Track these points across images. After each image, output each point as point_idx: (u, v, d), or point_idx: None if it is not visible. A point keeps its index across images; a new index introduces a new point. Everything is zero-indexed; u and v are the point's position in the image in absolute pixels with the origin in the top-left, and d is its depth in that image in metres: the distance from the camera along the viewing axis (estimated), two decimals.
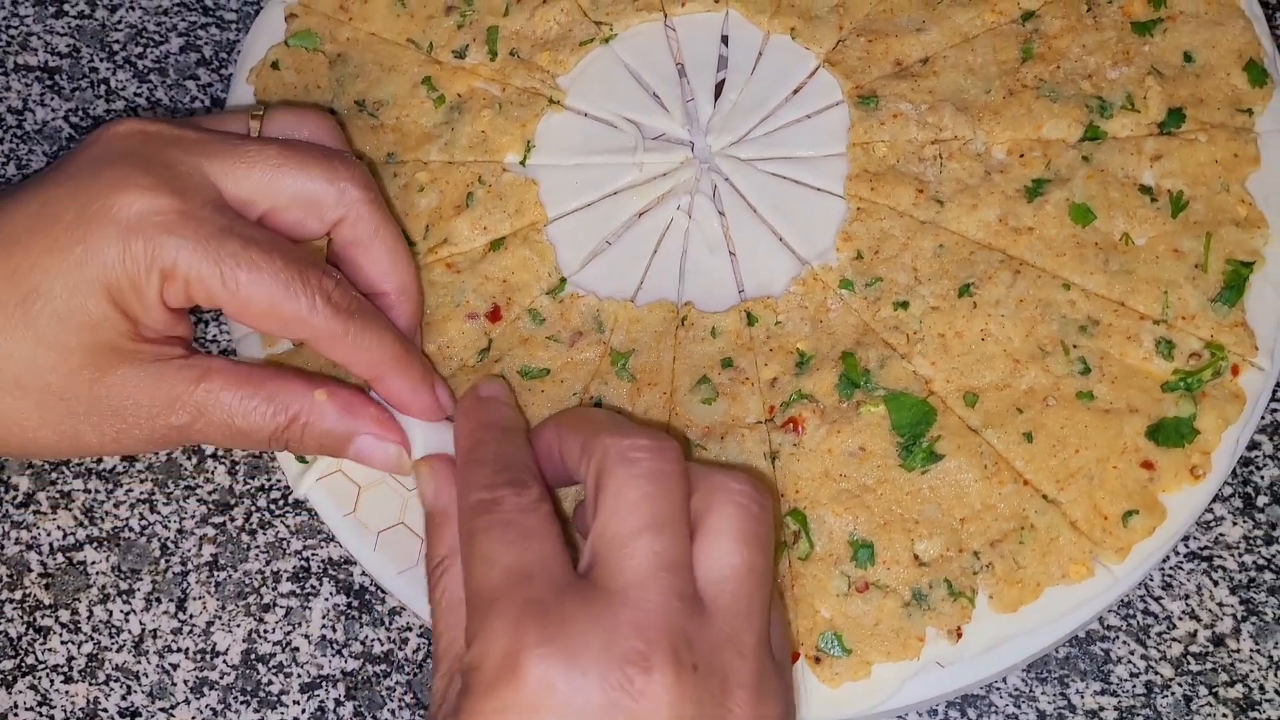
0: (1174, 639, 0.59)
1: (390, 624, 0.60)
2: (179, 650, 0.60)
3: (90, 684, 0.60)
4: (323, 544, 0.62)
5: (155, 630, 0.61)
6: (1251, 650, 0.58)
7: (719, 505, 0.45)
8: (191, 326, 0.52)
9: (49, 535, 0.62)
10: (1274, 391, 0.62)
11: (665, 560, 0.43)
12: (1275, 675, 0.58)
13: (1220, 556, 0.60)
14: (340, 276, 0.51)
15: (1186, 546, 0.60)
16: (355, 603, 0.61)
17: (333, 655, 0.60)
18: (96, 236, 0.47)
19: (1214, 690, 0.58)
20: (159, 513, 0.62)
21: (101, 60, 0.71)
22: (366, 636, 0.60)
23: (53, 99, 0.70)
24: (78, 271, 0.47)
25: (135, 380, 0.49)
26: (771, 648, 0.46)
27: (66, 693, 0.60)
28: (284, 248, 0.50)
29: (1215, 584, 0.59)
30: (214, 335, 0.65)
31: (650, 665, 0.41)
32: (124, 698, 0.60)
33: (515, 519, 0.46)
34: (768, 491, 0.47)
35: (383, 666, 0.60)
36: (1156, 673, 0.58)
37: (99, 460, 0.63)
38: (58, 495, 0.63)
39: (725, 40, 0.64)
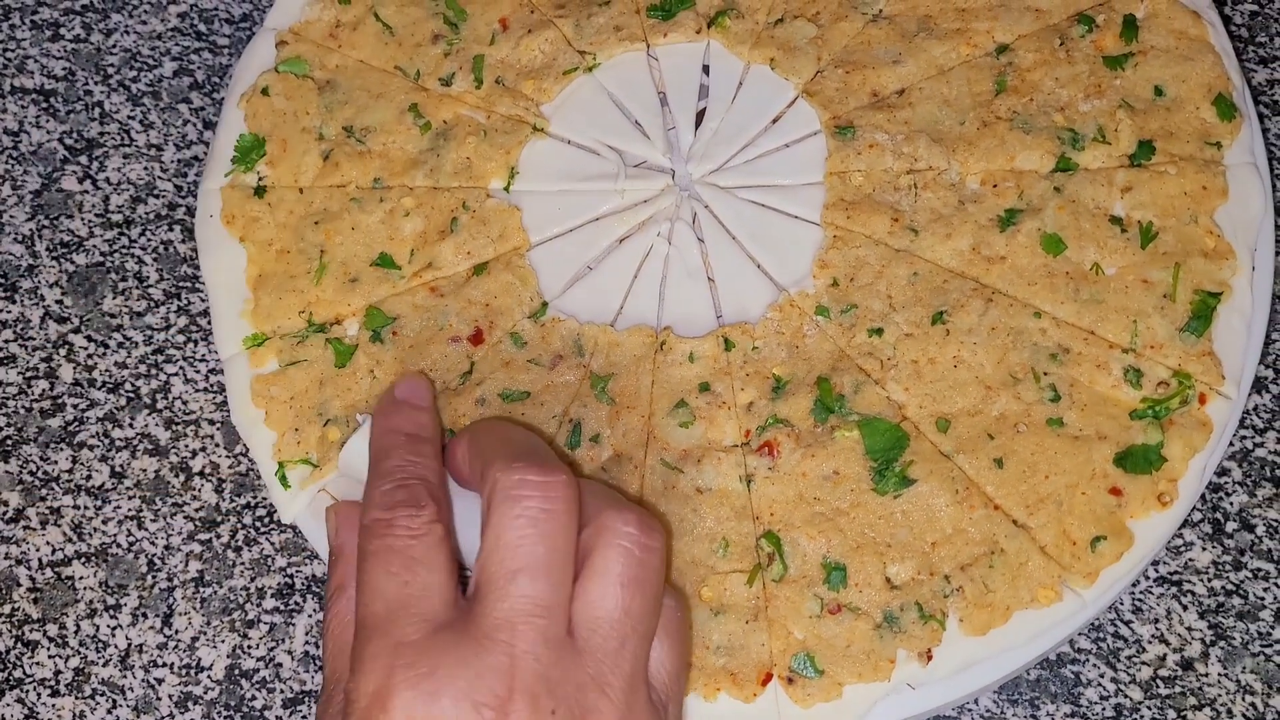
0: (1144, 662, 0.60)
1: None
2: (164, 665, 0.61)
3: (77, 698, 0.61)
4: (307, 561, 0.63)
5: (141, 645, 0.62)
6: (1220, 674, 0.59)
7: (603, 546, 0.46)
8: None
9: (38, 550, 0.63)
10: (1241, 420, 0.63)
11: (536, 605, 0.44)
12: (1243, 699, 0.59)
13: (1190, 581, 0.61)
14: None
15: (1156, 571, 0.61)
16: None
17: (315, 671, 0.61)
18: None
19: (1182, 714, 0.59)
20: (146, 529, 0.63)
21: (96, 83, 0.72)
22: None
23: (48, 121, 0.71)
24: None
25: None
26: (651, 688, 0.47)
27: (53, 706, 0.61)
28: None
29: (1185, 609, 0.60)
30: (203, 354, 0.66)
31: (507, 710, 0.42)
32: (109, 711, 0.61)
33: (402, 545, 0.46)
34: (658, 531, 0.47)
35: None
36: (1126, 696, 0.59)
37: (88, 476, 0.64)
38: (47, 511, 0.64)
39: (706, 70, 0.65)
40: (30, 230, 0.69)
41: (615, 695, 0.45)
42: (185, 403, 0.66)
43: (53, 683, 0.61)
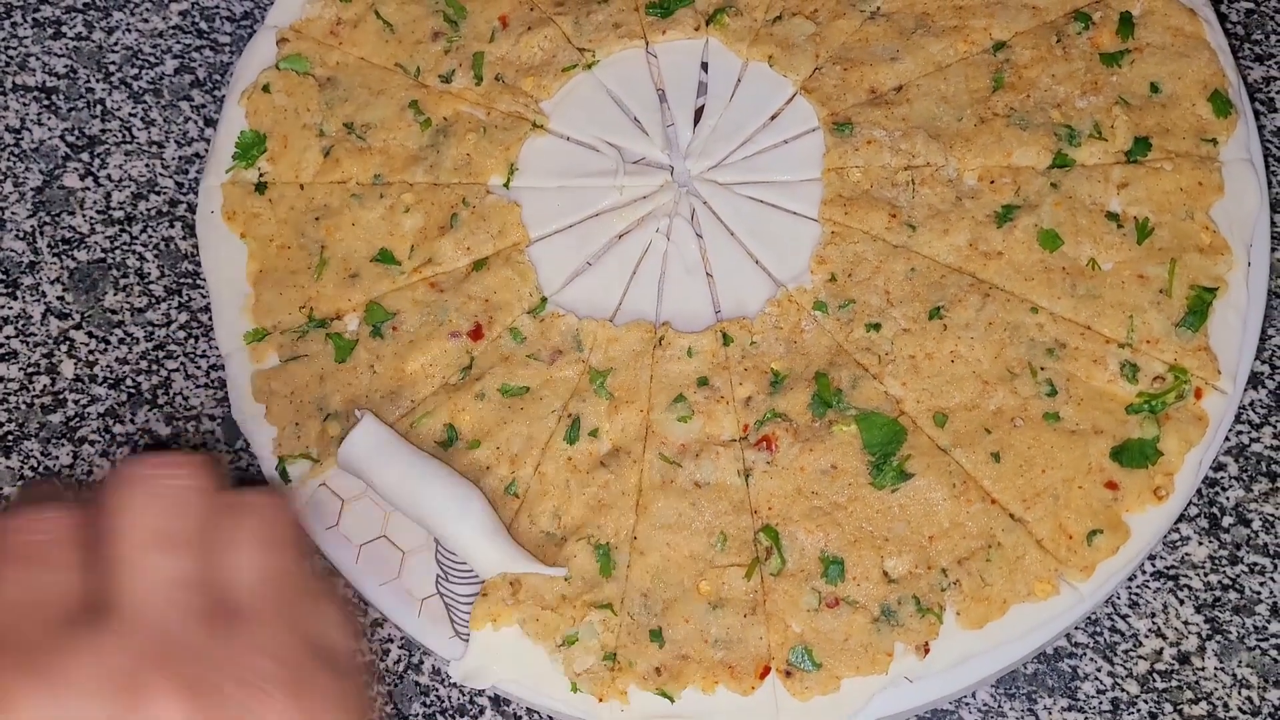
0: (1140, 656, 0.60)
1: (372, 636, 0.61)
2: None
3: None
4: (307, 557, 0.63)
5: None
6: (1216, 668, 0.59)
7: (235, 519, 0.42)
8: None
9: None
10: (1237, 415, 0.63)
11: (175, 577, 0.41)
12: (1239, 693, 0.59)
13: (1186, 576, 0.61)
14: None
15: (1153, 565, 0.61)
16: None
17: None
18: None
19: (1179, 708, 0.59)
20: None
21: (98, 81, 0.72)
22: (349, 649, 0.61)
23: (49, 118, 0.71)
24: None
25: None
26: (320, 647, 0.43)
27: None
28: None
29: (1181, 603, 0.60)
30: (203, 350, 0.67)
31: (150, 688, 0.39)
32: None
33: (22, 550, 0.42)
34: (283, 499, 0.44)
35: (364, 678, 0.61)
36: (1123, 689, 0.59)
37: (89, 472, 0.65)
38: None
39: (705, 67, 0.66)
40: (32, 227, 0.69)
41: (287, 657, 0.41)
42: (186, 398, 0.66)
43: None
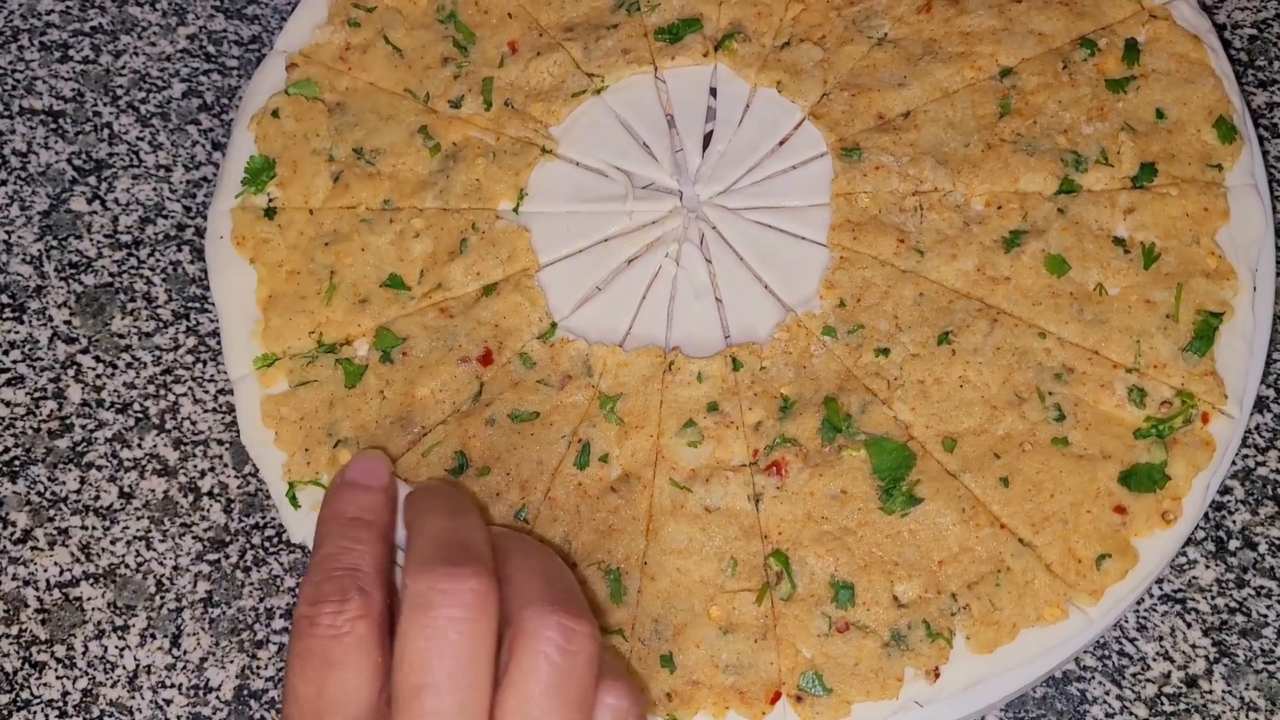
0: (1148, 680, 0.60)
1: None
2: (172, 686, 0.61)
3: (84, 719, 0.61)
4: None
5: (149, 666, 0.62)
6: (1224, 691, 0.59)
7: (523, 654, 0.44)
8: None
9: (46, 571, 0.63)
10: (1244, 438, 0.63)
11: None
12: (1246, 716, 0.59)
13: (1193, 599, 0.61)
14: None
15: (1160, 589, 0.61)
16: None
17: None
18: None
19: None
20: (155, 550, 0.64)
21: (105, 104, 0.72)
22: None
23: (56, 142, 0.72)
24: None
25: None
26: None
27: None
28: None
29: (1189, 626, 0.61)
30: (212, 374, 0.67)
31: None
32: None
33: (320, 647, 0.44)
34: (581, 633, 0.44)
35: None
36: (1131, 713, 0.59)
37: (96, 497, 0.65)
38: (55, 532, 0.64)
39: (714, 92, 0.66)
40: (39, 251, 0.69)
41: None
42: (194, 423, 0.66)
43: (60, 704, 0.61)
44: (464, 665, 0.43)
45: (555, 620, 0.44)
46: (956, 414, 0.58)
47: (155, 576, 0.63)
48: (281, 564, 0.63)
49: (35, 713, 0.61)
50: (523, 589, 0.46)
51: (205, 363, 0.67)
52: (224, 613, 0.62)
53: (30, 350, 0.67)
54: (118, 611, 0.63)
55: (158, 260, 0.69)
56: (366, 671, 0.44)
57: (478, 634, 0.44)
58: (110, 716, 0.61)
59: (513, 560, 0.47)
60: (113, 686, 0.61)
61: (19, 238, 0.70)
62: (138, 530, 0.64)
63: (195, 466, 0.65)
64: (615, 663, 0.49)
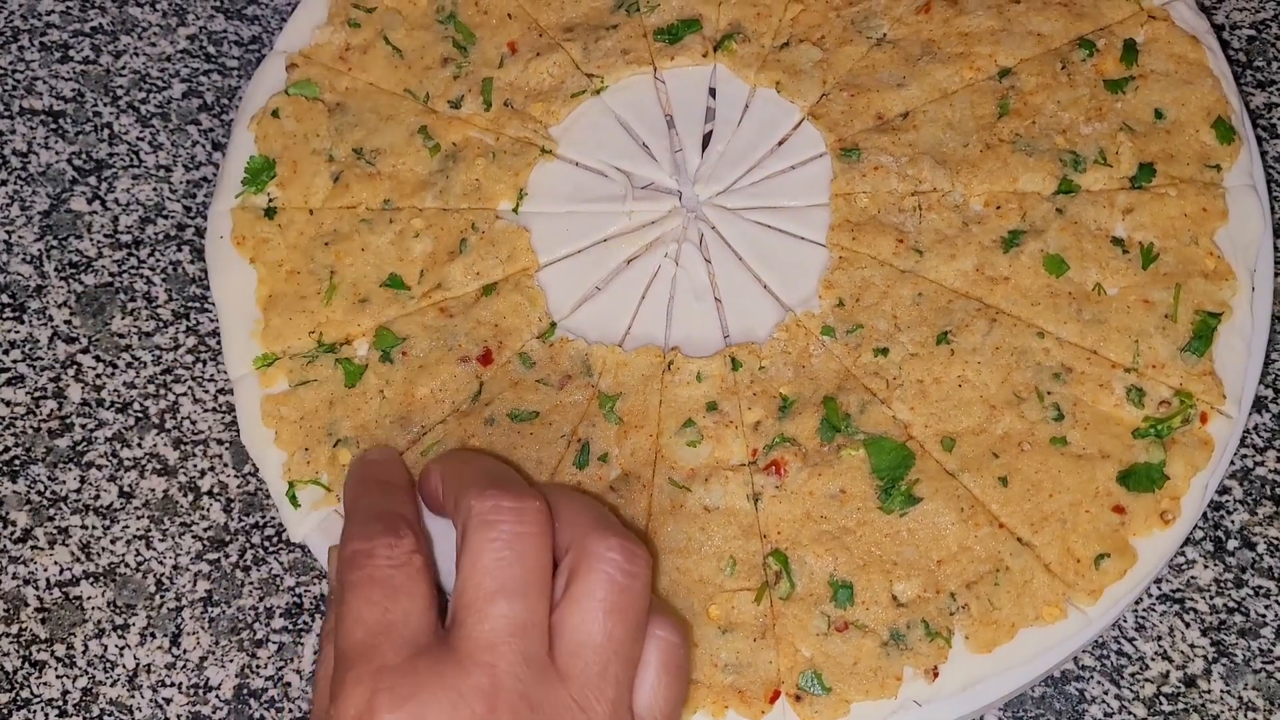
0: (1147, 679, 0.60)
1: None
2: (172, 685, 0.61)
3: (84, 718, 0.61)
4: (315, 580, 0.63)
5: (149, 665, 0.62)
6: (1222, 691, 0.60)
7: (586, 571, 0.46)
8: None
9: (46, 570, 0.63)
10: (1243, 438, 0.63)
11: (515, 625, 0.44)
12: (1245, 716, 0.59)
13: (1192, 599, 0.61)
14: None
15: (1159, 589, 0.61)
16: None
17: None
18: None
19: None
20: (155, 549, 0.64)
21: (105, 105, 0.72)
22: None
23: (56, 142, 0.72)
24: None
25: None
26: (638, 714, 0.46)
27: None
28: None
29: (1187, 626, 0.61)
30: (211, 374, 0.67)
31: None
32: None
33: (383, 574, 0.47)
34: (641, 557, 0.47)
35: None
36: (1130, 713, 0.59)
37: (96, 496, 0.65)
38: (55, 531, 0.64)
39: (713, 93, 0.66)
40: (39, 250, 0.69)
41: None
42: (194, 422, 0.66)
43: (60, 703, 0.61)
44: (533, 574, 0.46)
45: (617, 542, 0.46)
46: (955, 413, 0.58)
47: (155, 576, 0.63)
48: (281, 563, 0.63)
49: (35, 712, 0.61)
50: (577, 519, 0.48)
51: (205, 362, 0.67)
52: (224, 612, 0.62)
53: (30, 350, 0.68)
54: (118, 611, 0.63)
55: (158, 260, 0.69)
56: (426, 598, 0.47)
57: (542, 549, 0.46)
58: (110, 715, 0.61)
59: (561, 498, 0.49)
60: (112, 685, 0.61)
61: (19, 237, 0.70)
62: (137, 529, 0.64)
63: (195, 466, 0.65)
64: (660, 602, 0.52)
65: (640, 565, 0.47)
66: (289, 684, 0.61)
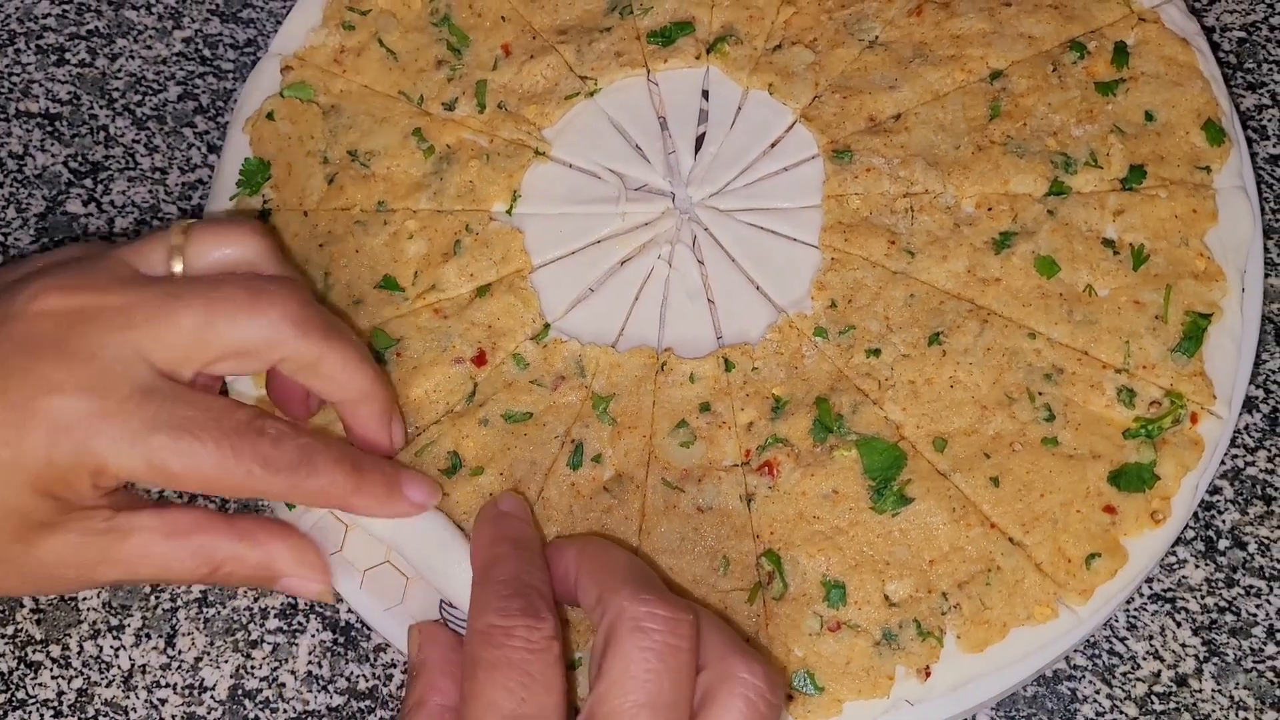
0: (1138, 679, 0.60)
1: (375, 660, 0.62)
2: (167, 685, 0.62)
3: (79, 719, 0.61)
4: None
5: (144, 666, 0.62)
6: (1214, 690, 0.60)
7: (726, 695, 0.45)
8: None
9: None
10: (1234, 439, 0.64)
11: None
12: (1236, 715, 0.59)
13: (1183, 598, 0.62)
14: (278, 429, 0.50)
15: (1150, 588, 0.62)
16: (341, 639, 0.62)
17: (318, 691, 0.61)
18: (26, 440, 0.47)
19: None
20: None
21: (101, 107, 0.73)
22: (352, 673, 0.62)
23: (53, 145, 0.72)
24: (6, 472, 0.47)
25: (63, 550, 0.49)
26: None
27: None
28: (217, 421, 0.49)
29: (1178, 625, 0.61)
30: None
31: None
32: None
33: (521, 660, 0.45)
34: (780, 686, 0.46)
35: (367, 702, 0.61)
36: (1121, 712, 0.60)
37: None
38: None
39: (706, 95, 0.66)
40: (35, 253, 0.70)
41: None
42: None
43: (56, 704, 0.61)
44: (681, 691, 0.44)
45: (762, 671, 0.46)
46: (947, 414, 0.59)
47: None
48: None
49: (30, 712, 0.61)
50: (718, 638, 0.47)
51: None
52: (218, 612, 0.63)
53: None
54: (113, 611, 0.63)
55: None
56: (560, 690, 0.46)
57: (691, 665, 0.45)
58: (105, 716, 0.61)
59: (699, 612, 0.48)
60: (108, 686, 0.62)
61: (15, 240, 0.70)
62: None
63: None
64: None
65: (779, 694, 0.46)
66: (283, 684, 0.61)
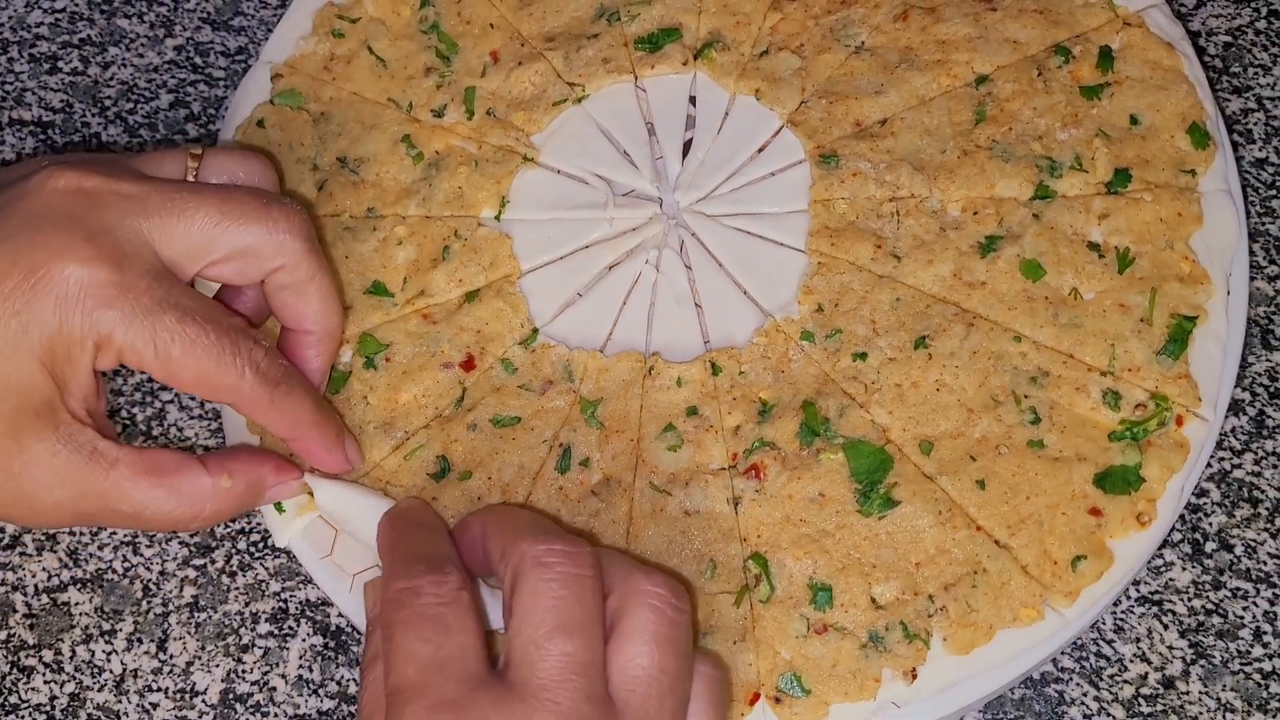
0: (1125, 681, 0.60)
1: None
2: (159, 690, 0.62)
3: None
4: (301, 586, 0.63)
5: (136, 670, 0.62)
6: (1201, 692, 0.60)
7: (634, 608, 0.47)
8: (107, 401, 0.53)
9: (34, 576, 0.64)
10: (1220, 441, 0.64)
11: (576, 662, 0.45)
12: (1223, 717, 0.59)
13: (1170, 601, 0.62)
14: (270, 345, 0.53)
15: (1137, 591, 0.62)
16: (332, 643, 0.62)
17: (309, 695, 0.62)
18: (35, 307, 0.47)
19: None
20: (141, 555, 0.64)
21: (93, 115, 0.73)
22: (342, 677, 0.62)
23: (45, 152, 0.72)
24: (14, 339, 0.47)
25: (50, 461, 0.49)
26: None
27: None
28: (218, 318, 0.51)
29: (1165, 627, 0.61)
30: None
31: None
32: None
33: (432, 612, 0.46)
34: (685, 594, 0.48)
35: (357, 706, 0.61)
36: (1109, 714, 0.60)
37: None
38: (43, 537, 0.65)
39: (693, 101, 0.67)
40: None
41: None
42: (180, 429, 0.66)
43: (48, 708, 0.62)
44: (590, 614, 0.46)
45: (662, 579, 0.48)
46: (933, 417, 0.59)
47: (142, 581, 0.64)
48: (266, 569, 0.64)
49: (23, 717, 0.62)
50: (620, 563, 0.49)
51: None
52: (210, 617, 0.63)
53: None
54: (105, 616, 0.63)
55: None
56: (476, 632, 0.47)
57: (596, 590, 0.47)
58: None
59: (599, 548, 0.50)
60: (100, 690, 0.62)
61: None
62: (124, 536, 0.65)
63: None
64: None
65: (685, 601, 0.48)
66: (274, 689, 0.62)
